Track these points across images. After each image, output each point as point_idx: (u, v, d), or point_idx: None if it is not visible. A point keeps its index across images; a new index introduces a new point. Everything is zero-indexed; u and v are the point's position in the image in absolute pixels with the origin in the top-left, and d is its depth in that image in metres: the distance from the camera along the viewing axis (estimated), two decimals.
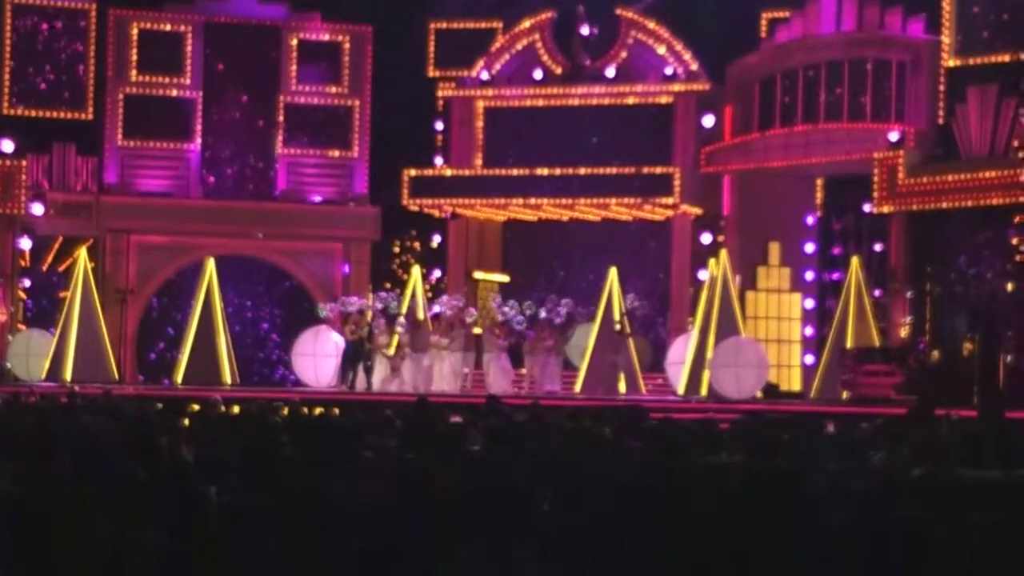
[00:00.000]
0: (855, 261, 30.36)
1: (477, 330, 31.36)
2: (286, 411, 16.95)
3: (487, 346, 30.79)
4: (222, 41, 35.44)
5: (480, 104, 34.61)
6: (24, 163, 32.71)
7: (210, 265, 31.73)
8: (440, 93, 35.02)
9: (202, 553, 6.25)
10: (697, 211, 32.90)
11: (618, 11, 33.88)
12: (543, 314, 30.56)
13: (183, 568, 6.21)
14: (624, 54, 33.82)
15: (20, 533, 6.30)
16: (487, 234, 35.77)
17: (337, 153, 35.91)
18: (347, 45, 35.97)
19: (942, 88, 29.92)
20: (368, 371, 30.44)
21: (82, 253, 32.63)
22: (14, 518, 6.31)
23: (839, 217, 32.49)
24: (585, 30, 33.81)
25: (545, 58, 34.38)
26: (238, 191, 35.59)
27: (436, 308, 31.21)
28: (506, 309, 30.88)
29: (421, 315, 31.10)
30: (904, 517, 7.27)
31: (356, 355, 30.36)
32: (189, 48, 35.27)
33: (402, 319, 30.88)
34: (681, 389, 29.53)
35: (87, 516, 6.59)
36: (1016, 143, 28.39)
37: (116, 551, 6.48)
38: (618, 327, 30.08)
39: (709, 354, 28.91)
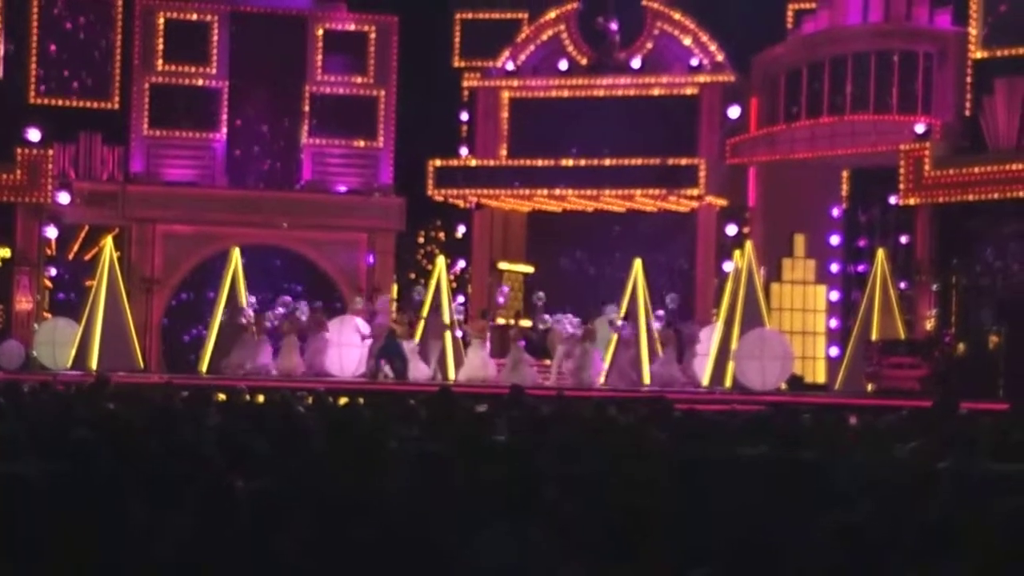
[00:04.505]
0: (881, 253, 30.27)
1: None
2: (311, 400, 16.99)
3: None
4: (248, 31, 35.49)
5: (505, 94, 34.61)
6: (51, 152, 32.84)
7: (235, 255, 31.78)
8: (465, 83, 35.01)
9: (230, 538, 6.27)
10: (722, 202, 32.85)
11: (644, 2, 33.83)
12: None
13: (212, 553, 6.23)
14: (650, 45, 33.77)
15: (46, 515, 6.33)
16: (512, 224, 35.76)
17: (362, 143, 35.94)
18: (373, 35, 35.99)
19: (969, 80, 29.79)
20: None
21: (108, 242, 32.70)
22: (41, 500, 6.35)
23: (865, 209, 32.41)
24: (614, 25, 33.71)
25: (570, 49, 34.33)
26: (263, 181, 35.66)
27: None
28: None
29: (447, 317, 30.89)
30: (930, 509, 7.26)
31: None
32: (215, 38, 35.34)
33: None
34: (706, 380, 29.51)
35: (115, 499, 6.62)
36: None
37: (145, 535, 6.51)
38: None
39: (734, 346, 28.88)
